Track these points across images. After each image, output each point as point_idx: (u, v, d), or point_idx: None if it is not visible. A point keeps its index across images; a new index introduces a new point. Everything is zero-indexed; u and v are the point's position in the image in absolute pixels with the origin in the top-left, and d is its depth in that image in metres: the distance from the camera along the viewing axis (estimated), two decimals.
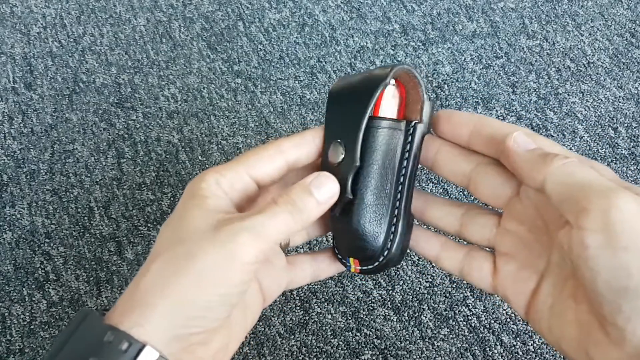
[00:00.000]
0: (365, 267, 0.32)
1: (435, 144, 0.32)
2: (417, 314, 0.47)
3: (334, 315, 0.47)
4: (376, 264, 0.31)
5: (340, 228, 0.33)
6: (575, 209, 0.24)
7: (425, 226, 0.34)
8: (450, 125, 0.31)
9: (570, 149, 0.57)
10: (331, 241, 0.35)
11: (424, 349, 0.46)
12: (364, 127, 0.30)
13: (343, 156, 0.31)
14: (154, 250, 0.30)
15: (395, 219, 0.31)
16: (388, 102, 0.32)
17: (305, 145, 0.33)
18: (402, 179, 0.31)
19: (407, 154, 0.31)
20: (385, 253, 0.31)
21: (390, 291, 0.48)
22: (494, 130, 0.29)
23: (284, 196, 0.30)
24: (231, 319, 0.31)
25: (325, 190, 0.30)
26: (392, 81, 0.31)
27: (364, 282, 0.49)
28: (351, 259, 0.33)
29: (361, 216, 0.31)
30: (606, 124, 0.59)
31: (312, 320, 0.47)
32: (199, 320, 0.28)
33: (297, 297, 0.48)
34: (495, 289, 0.31)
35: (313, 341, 0.46)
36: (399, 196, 0.31)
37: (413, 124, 0.31)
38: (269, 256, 0.30)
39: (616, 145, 0.57)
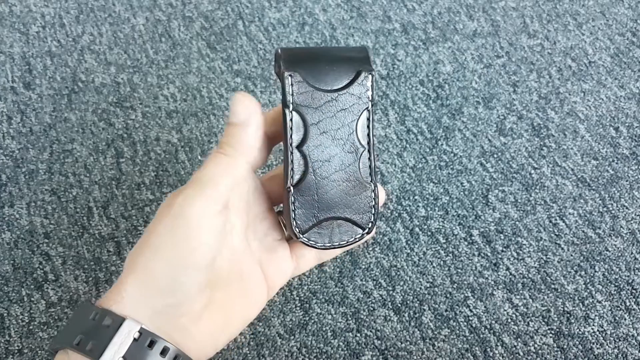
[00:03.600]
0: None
1: None
2: (417, 314, 0.47)
3: (334, 315, 0.47)
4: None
5: None
6: None
7: None
8: None
9: (572, 148, 0.57)
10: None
11: (425, 349, 0.45)
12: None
13: None
14: None
15: None
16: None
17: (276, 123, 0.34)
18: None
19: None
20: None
21: (391, 292, 0.48)
22: None
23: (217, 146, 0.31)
24: (224, 298, 0.32)
25: (239, 109, 0.31)
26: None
27: (364, 282, 0.48)
28: None
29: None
30: (607, 124, 0.59)
31: (312, 321, 0.46)
32: (172, 291, 0.29)
33: (297, 298, 0.47)
34: None
35: (313, 342, 0.46)
36: None
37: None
38: (227, 202, 0.30)
39: (617, 144, 0.57)
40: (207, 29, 0.66)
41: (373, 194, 0.34)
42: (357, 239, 0.35)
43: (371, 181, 0.34)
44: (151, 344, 0.28)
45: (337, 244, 0.34)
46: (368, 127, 0.33)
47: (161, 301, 0.28)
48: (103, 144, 0.56)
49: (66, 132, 0.57)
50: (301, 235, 0.33)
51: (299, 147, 0.33)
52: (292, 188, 0.33)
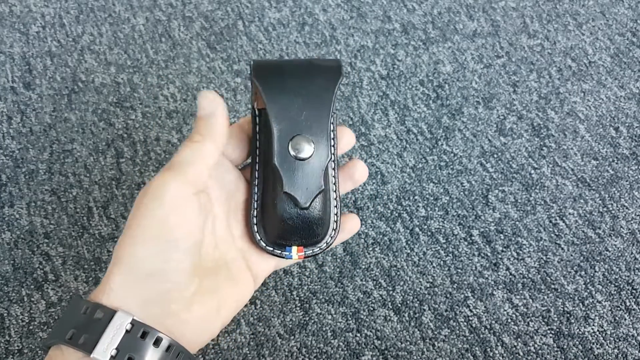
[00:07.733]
0: (312, 252, 0.34)
1: None
2: (417, 314, 0.47)
3: (334, 315, 0.47)
4: (324, 246, 0.34)
5: (290, 217, 0.33)
6: None
7: None
8: None
9: (572, 148, 0.57)
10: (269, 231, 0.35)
11: (425, 349, 0.45)
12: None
13: (314, 150, 0.31)
14: None
15: (336, 204, 0.34)
16: None
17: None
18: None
19: None
20: (333, 234, 0.34)
21: (391, 292, 0.48)
22: None
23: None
24: (213, 285, 0.32)
25: (204, 103, 0.32)
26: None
27: (364, 282, 0.48)
28: (294, 248, 0.34)
29: (320, 204, 0.33)
30: (607, 124, 0.59)
31: (312, 321, 0.46)
32: (159, 276, 0.29)
33: (297, 298, 0.47)
34: None
35: (313, 342, 0.46)
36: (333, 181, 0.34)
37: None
38: (202, 186, 0.31)
39: (617, 145, 0.57)
40: (207, 29, 0.66)
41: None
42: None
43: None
44: (144, 335, 0.28)
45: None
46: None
47: (149, 288, 0.29)
48: (103, 144, 0.56)
49: (66, 132, 0.57)
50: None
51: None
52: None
